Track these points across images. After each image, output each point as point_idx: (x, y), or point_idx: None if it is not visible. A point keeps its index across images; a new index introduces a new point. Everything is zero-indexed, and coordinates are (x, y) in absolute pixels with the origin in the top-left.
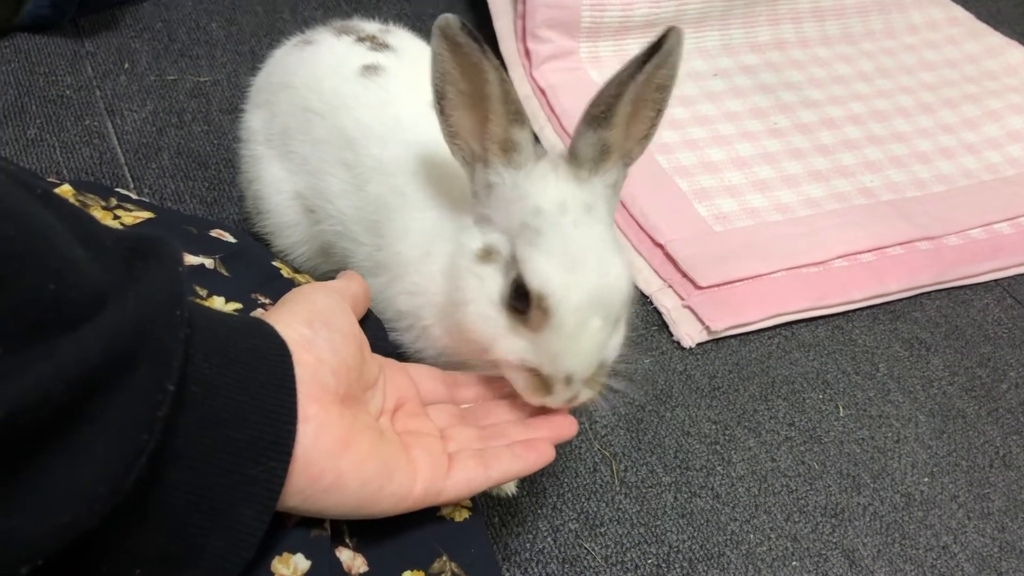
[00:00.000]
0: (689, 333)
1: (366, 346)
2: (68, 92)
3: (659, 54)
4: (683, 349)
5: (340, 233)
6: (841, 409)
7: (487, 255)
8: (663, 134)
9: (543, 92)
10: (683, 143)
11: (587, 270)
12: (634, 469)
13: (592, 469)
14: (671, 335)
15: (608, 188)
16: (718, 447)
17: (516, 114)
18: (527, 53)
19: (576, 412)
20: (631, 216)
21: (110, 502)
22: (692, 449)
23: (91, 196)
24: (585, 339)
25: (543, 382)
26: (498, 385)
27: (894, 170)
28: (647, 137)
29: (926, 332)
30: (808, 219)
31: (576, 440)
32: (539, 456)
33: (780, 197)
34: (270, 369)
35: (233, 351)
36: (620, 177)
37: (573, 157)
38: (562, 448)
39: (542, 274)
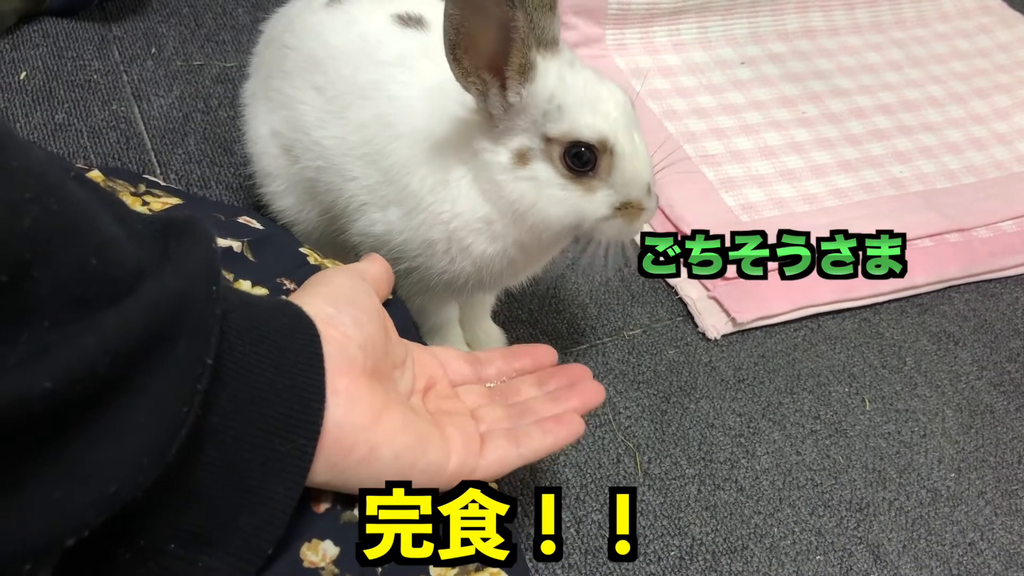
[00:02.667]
0: (714, 324)
1: (391, 326)
2: (95, 77)
3: None
4: (708, 340)
5: (322, 168)
6: (867, 403)
7: (522, 158)
8: (689, 123)
9: None
10: (710, 132)
11: (610, 102)
12: (658, 461)
13: (616, 460)
14: (696, 326)
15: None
16: (742, 440)
17: (540, 40)
18: None
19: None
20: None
21: (153, 473)
22: (716, 441)
23: (120, 182)
24: (642, 149)
25: (633, 210)
26: (521, 358)
27: (924, 161)
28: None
29: (954, 326)
30: (836, 210)
31: (600, 431)
32: (570, 429)
33: (808, 187)
34: (299, 347)
35: (264, 329)
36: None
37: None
38: (586, 439)
39: (591, 124)
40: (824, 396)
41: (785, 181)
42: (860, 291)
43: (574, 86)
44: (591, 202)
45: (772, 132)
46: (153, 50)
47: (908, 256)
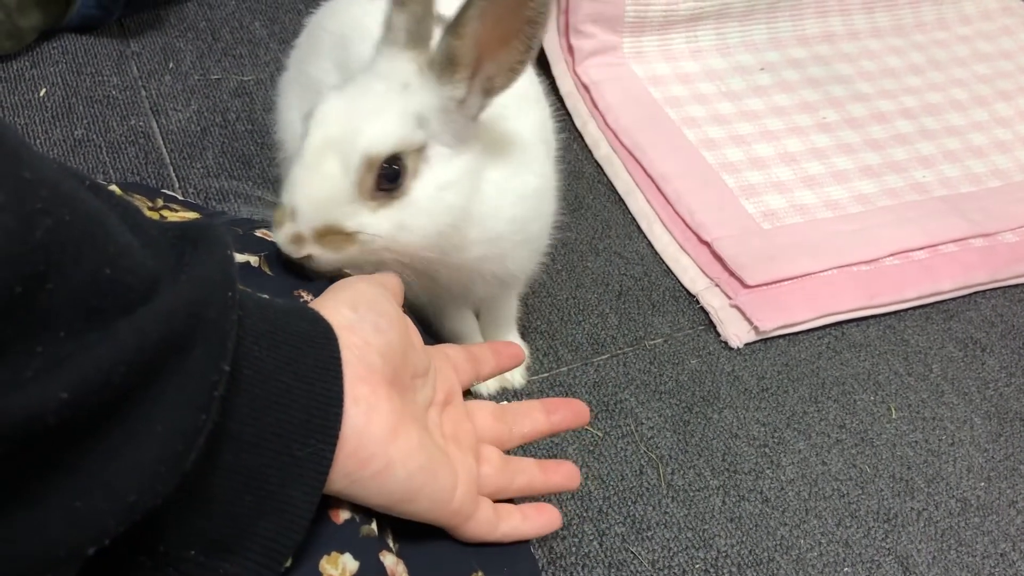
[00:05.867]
0: (737, 333)
1: (415, 333)
2: (114, 92)
3: None
4: (731, 349)
5: None
6: (893, 411)
7: None
8: (708, 130)
9: (586, 88)
10: (730, 139)
11: (355, 115)
12: (681, 472)
13: (639, 472)
14: (718, 335)
15: (448, 100)
16: (767, 450)
17: None
18: (570, 49)
19: (623, 414)
20: (676, 213)
21: (172, 481)
22: (740, 452)
23: (138, 197)
24: (317, 174)
25: (281, 215)
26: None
27: (947, 165)
28: (514, 71)
29: (981, 332)
30: (859, 216)
31: (622, 443)
32: (547, 521)
33: (830, 193)
34: (317, 352)
35: (281, 334)
36: (474, 101)
37: (431, 58)
38: (608, 450)
39: (321, 100)
40: (849, 405)
41: (807, 187)
42: (885, 297)
43: (362, 82)
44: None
45: (793, 138)
46: (171, 65)
47: (933, 262)
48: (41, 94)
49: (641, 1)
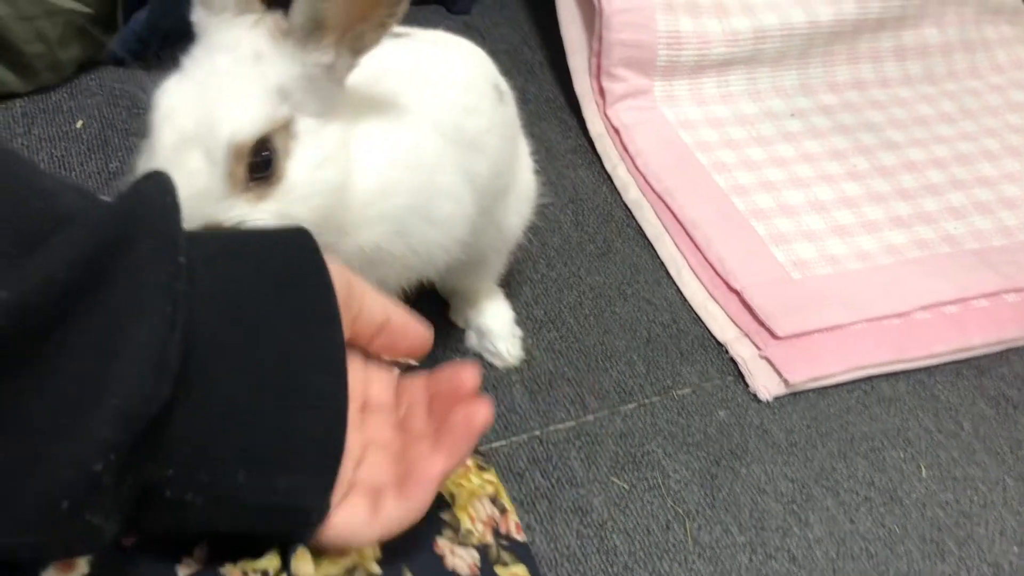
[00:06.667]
0: (766, 385)
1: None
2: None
3: None
4: (759, 402)
5: None
6: (923, 469)
7: None
8: (738, 175)
9: (617, 131)
10: (759, 185)
11: (206, 99)
12: (708, 528)
13: (664, 527)
14: (747, 386)
15: (314, 67)
16: (795, 506)
17: None
18: (601, 91)
19: (650, 466)
20: (706, 260)
21: (158, 381)
22: (768, 508)
23: None
24: (178, 174)
25: None
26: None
27: (979, 217)
28: (383, 25)
29: (1013, 389)
30: (889, 267)
31: (648, 496)
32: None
33: (860, 244)
34: (292, 249)
35: (243, 241)
36: (342, 62)
37: (288, 23)
38: (634, 504)
39: (163, 88)
40: (878, 462)
41: (837, 237)
42: (914, 352)
43: (215, 65)
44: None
45: (823, 186)
46: None
47: (963, 316)
48: (78, 126)
49: (674, 46)
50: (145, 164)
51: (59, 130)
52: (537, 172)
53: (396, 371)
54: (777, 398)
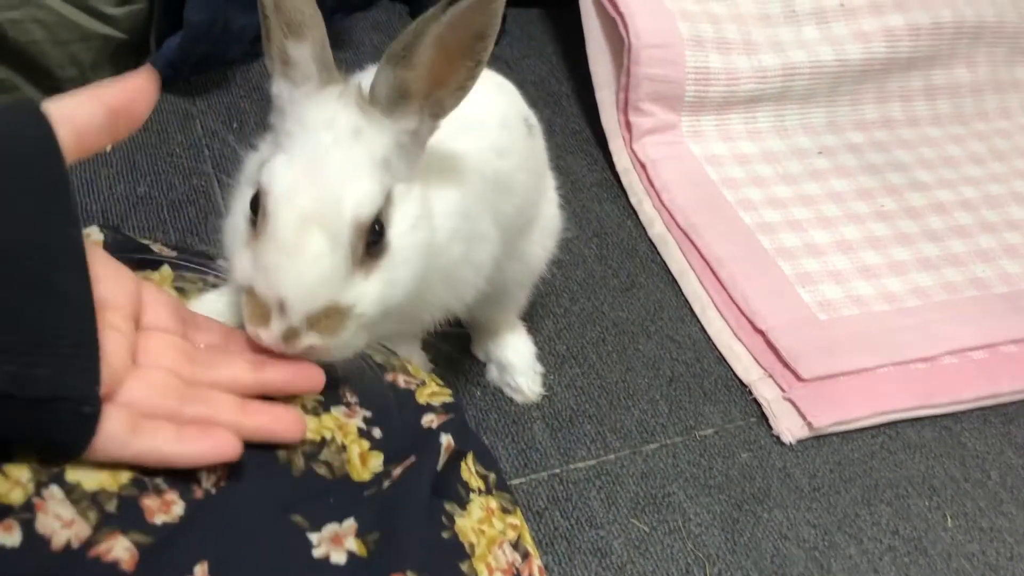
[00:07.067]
0: (790, 428)
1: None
2: (178, 151)
3: (481, 1)
4: (783, 445)
5: None
6: (949, 519)
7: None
8: (765, 213)
9: (643, 166)
10: (786, 223)
11: (323, 179)
12: (729, 573)
13: (684, 571)
14: (770, 428)
15: (401, 134)
16: (817, 553)
17: (289, 26)
18: (628, 125)
19: (670, 509)
20: (731, 299)
21: None
22: (789, 554)
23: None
24: (302, 256)
25: (261, 308)
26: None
27: (1008, 260)
28: (463, 88)
29: None
30: (916, 310)
31: (669, 539)
32: (215, 446)
33: (887, 285)
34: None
35: None
36: (424, 127)
37: (371, 94)
38: (654, 547)
39: (273, 170)
40: (903, 509)
41: (863, 278)
42: (941, 397)
43: (322, 144)
44: (241, 258)
45: (850, 225)
46: (235, 125)
47: (991, 362)
48: (108, 149)
49: (702, 81)
50: (267, 248)
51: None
52: (562, 206)
53: (177, 298)
54: (801, 441)
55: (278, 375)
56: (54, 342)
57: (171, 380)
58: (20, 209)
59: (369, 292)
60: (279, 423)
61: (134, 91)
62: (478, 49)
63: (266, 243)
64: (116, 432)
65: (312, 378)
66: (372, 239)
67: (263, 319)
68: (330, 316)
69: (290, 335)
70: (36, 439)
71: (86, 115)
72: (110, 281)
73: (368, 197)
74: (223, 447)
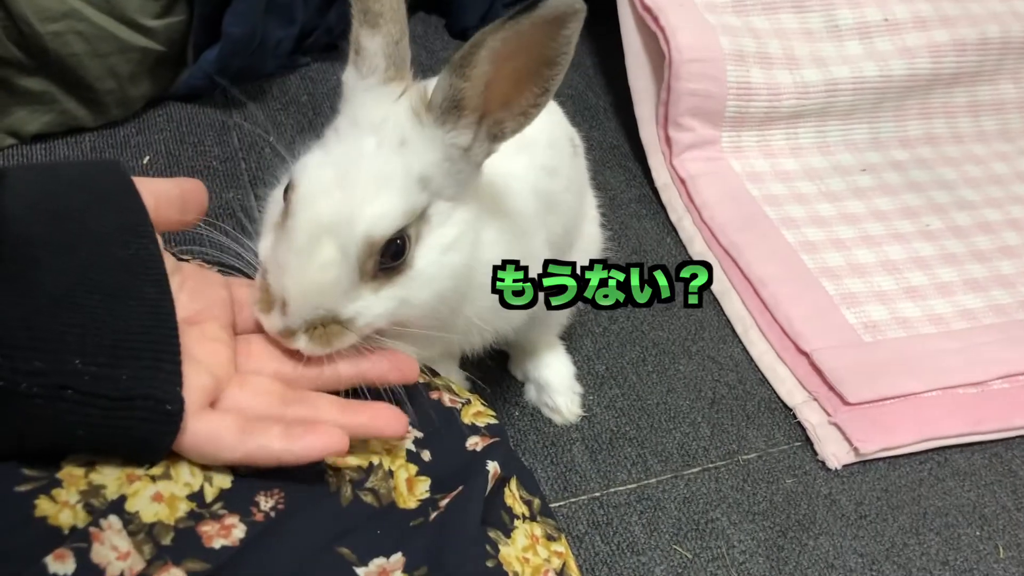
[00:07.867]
0: (835, 453)
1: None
2: (215, 163)
3: (546, 21)
4: (828, 470)
5: None
6: (1001, 550)
7: None
8: (807, 231)
9: (683, 182)
10: (829, 242)
11: (347, 189)
12: None
13: None
14: (815, 453)
15: (452, 148)
16: None
17: (366, 14)
18: (668, 140)
19: (714, 535)
20: (774, 319)
21: None
22: None
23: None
24: (311, 263)
25: (268, 297)
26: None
27: None
28: (526, 115)
29: None
30: (964, 333)
31: (712, 566)
32: (323, 441)
33: (934, 307)
34: (105, 176)
35: (57, 169)
36: (479, 146)
37: (431, 99)
38: (697, 574)
39: (306, 166)
40: (953, 539)
41: (909, 299)
42: (991, 424)
43: (363, 149)
44: (265, 241)
45: (895, 245)
46: (271, 138)
47: None
48: (144, 161)
49: (743, 96)
50: (283, 244)
51: (127, 165)
52: (603, 225)
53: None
54: (846, 467)
55: (374, 367)
56: (134, 347)
57: (274, 385)
58: (108, 229)
59: (374, 308)
60: (379, 419)
61: (197, 184)
62: (547, 76)
63: (284, 239)
64: (226, 435)
65: (407, 369)
66: (392, 255)
67: (267, 307)
68: (327, 326)
69: (286, 333)
70: (122, 440)
71: (163, 187)
72: (204, 293)
73: (387, 215)
74: (331, 442)
